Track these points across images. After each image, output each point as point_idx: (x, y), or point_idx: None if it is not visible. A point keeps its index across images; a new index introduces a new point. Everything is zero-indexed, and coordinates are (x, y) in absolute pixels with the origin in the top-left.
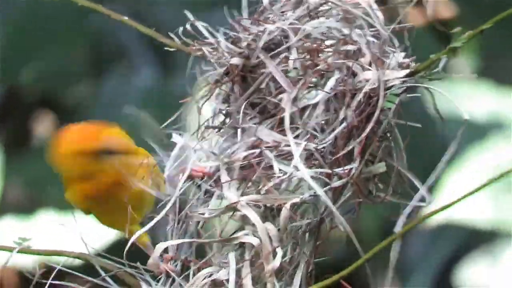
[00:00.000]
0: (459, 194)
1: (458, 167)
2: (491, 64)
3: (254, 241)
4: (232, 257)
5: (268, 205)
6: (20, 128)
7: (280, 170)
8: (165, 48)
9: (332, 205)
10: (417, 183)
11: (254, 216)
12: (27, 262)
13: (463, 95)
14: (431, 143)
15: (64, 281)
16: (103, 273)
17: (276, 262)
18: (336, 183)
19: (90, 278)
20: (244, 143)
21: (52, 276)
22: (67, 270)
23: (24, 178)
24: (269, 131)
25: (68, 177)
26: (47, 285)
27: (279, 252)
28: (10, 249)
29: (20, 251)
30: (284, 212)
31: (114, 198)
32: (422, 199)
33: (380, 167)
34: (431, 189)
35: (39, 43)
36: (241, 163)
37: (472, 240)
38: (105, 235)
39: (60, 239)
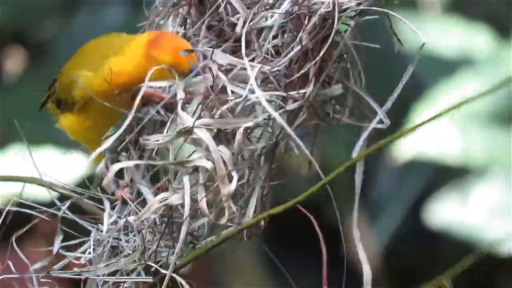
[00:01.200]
0: (427, 129)
1: (426, 103)
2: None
3: (208, 164)
4: (186, 180)
5: (222, 129)
6: None
7: (233, 93)
8: None
9: (288, 127)
10: (374, 104)
11: (208, 138)
12: None
13: (432, 30)
14: (391, 69)
15: (32, 215)
16: (58, 203)
17: (232, 186)
18: (291, 106)
19: (45, 209)
20: (200, 66)
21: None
22: (27, 203)
23: None
24: (224, 54)
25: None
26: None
27: (235, 175)
28: None
29: None
30: (238, 136)
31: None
32: (381, 122)
33: (337, 89)
34: (399, 125)
35: None
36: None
37: (442, 176)
38: (73, 172)
39: (30, 174)
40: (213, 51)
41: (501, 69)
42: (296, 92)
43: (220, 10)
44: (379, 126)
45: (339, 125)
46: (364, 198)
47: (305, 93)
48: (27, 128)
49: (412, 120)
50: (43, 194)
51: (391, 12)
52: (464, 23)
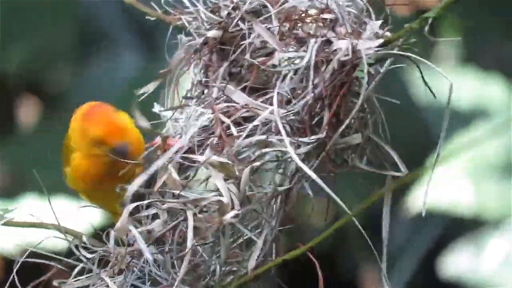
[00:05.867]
0: (441, 181)
1: (442, 156)
2: (476, 51)
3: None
4: (190, 215)
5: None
6: (5, 114)
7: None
8: (147, 18)
9: (306, 166)
10: (392, 153)
11: (218, 176)
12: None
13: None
14: (409, 121)
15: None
16: (87, 256)
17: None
18: (302, 150)
19: (71, 261)
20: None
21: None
22: (47, 254)
23: (9, 163)
24: (240, 92)
25: (78, 151)
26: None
27: (236, 206)
28: None
29: (5, 224)
30: (245, 174)
31: (109, 183)
32: (398, 170)
33: (355, 138)
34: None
35: (23, 29)
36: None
37: (455, 227)
38: (88, 220)
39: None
40: (225, 86)
41: None
42: (307, 138)
43: (241, 56)
44: (397, 174)
45: (354, 172)
46: (378, 249)
47: (323, 140)
48: (40, 178)
49: (429, 172)
50: (54, 242)
51: (416, 56)
52: (478, 74)
